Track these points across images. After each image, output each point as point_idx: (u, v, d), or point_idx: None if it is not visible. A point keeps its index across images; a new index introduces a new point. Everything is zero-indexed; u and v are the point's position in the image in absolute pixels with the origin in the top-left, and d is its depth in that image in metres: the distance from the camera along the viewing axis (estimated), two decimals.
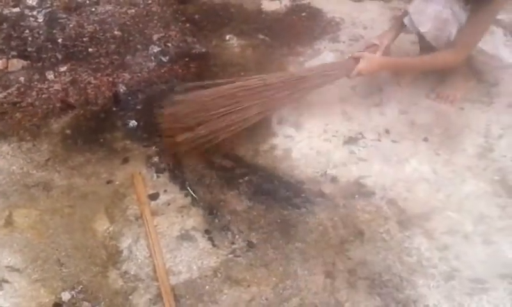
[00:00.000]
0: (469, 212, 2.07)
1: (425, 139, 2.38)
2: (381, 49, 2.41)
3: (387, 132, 2.41)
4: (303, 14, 3.24)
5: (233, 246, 1.94)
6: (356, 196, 2.13)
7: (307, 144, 2.36)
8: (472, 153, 2.32)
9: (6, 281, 1.82)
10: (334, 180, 2.20)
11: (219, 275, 1.85)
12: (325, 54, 2.88)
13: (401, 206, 2.09)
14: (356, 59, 2.35)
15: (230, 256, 1.91)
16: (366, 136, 2.39)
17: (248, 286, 1.82)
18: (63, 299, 1.77)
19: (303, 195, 2.13)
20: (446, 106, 2.53)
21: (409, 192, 2.15)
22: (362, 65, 2.32)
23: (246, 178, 2.19)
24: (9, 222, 2.01)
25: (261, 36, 3.01)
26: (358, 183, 2.19)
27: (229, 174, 2.21)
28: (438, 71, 2.56)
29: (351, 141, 2.37)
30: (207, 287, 1.82)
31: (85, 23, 3.05)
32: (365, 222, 2.03)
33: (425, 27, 2.34)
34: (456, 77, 2.54)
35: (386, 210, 2.08)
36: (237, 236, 1.98)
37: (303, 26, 3.12)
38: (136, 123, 2.44)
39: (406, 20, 2.42)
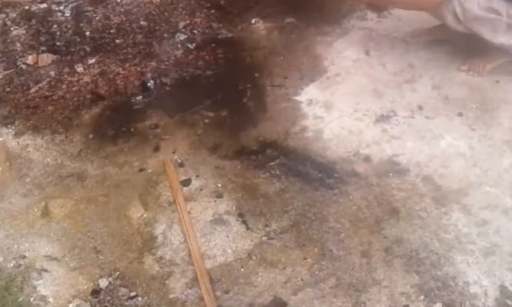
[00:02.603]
0: (508, 186, 2.02)
1: (460, 114, 2.32)
2: None
3: (420, 108, 2.36)
4: None
5: (267, 229, 1.93)
6: (390, 174, 2.09)
7: (338, 124, 2.32)
8: (509, 126, 2.26)
9: (45, 270, 1.86)
10: (367, 159, 2.16)
11: (253, 257, 1.85)
12: (354, 33, 2.82)
13: (437, 182, 2.05)
14: None
15: (264, 238, 1.91)
16: (398, 113, 2.34)
17: (283, 268, 1.81)
18: (101, 286, 1.80)
19: (335, 175, 2.10)
20: (480, 79, 2.46)
21: (444, 168, 2.10)
22: None
23: (278, 160, 2.17)
24: (45, 213, 2.04)
25: (287, 18, 2.97)
26: (392, 161, 2.14)
27: (260, 157, 2.20)
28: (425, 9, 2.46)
29: (383, 118, 2.32)
30: (242, 270, 1.82)
31: (111, 15, 3.07)
32: (400, 200, 2.00)
33: None
34: (489, 49, 2.46)
35: (422, 187, 2.04)
36: (270, 219, 1.97)
37: (330, 5, 3.06)
38: (165, 111, 2.44)
39: None
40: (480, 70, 2.48)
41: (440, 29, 2.58)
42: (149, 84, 2.56)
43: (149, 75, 2.63)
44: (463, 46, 2.53)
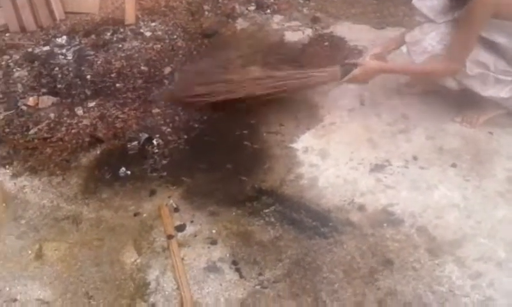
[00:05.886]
0: (502, 238, 2.02)
1: (454, 165, 2.34)
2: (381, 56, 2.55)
3: (414, 158, 2.39)
4: (326, 43, 3.26)
5: (261, 277, 1.93)
6: (385, 224, 2.10)
7: (333, 172, 2.34)
8: (503, 178, 2.28)
9: None
10: (362, 208, 2.17)
11: None
12: None
13: (431, 233, 2.05)
14: (353, 65, 2.48)
15: (258, 287, 1.90)
16: (393, 163, 2.37)
17: None
18: None
19: (330, 224, 2.11)
20: (473, 131, 2.50)
21: (438, 219, 2.11)
22: (358, 71, 2.45)
23: (273, 208, 2.18)
24: (39, 256, 2.04)
25: (285, 66, 3.02)
26: (386, 211, 2.16)
27: (255, 204, 2.20)
28: (430, 79, 2.62)
29: (377, 168, 2.35)
30: None
31: (112, 60, 3.13)
32: (394, 251, 2.00)
33: (419, 59, 2.39)
34: (482, 102, 2.50)
35: (416, 237, 2.04)
36: (264, 267, 1.96)
37: (326, 55, 3.13)
38: (161, 156, 2.46)
39: (403, 48, 2.53)
40: (473, 122, 2.52)
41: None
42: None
43: (148, 120, 2.66)
44: (456, 98, 2.58)
